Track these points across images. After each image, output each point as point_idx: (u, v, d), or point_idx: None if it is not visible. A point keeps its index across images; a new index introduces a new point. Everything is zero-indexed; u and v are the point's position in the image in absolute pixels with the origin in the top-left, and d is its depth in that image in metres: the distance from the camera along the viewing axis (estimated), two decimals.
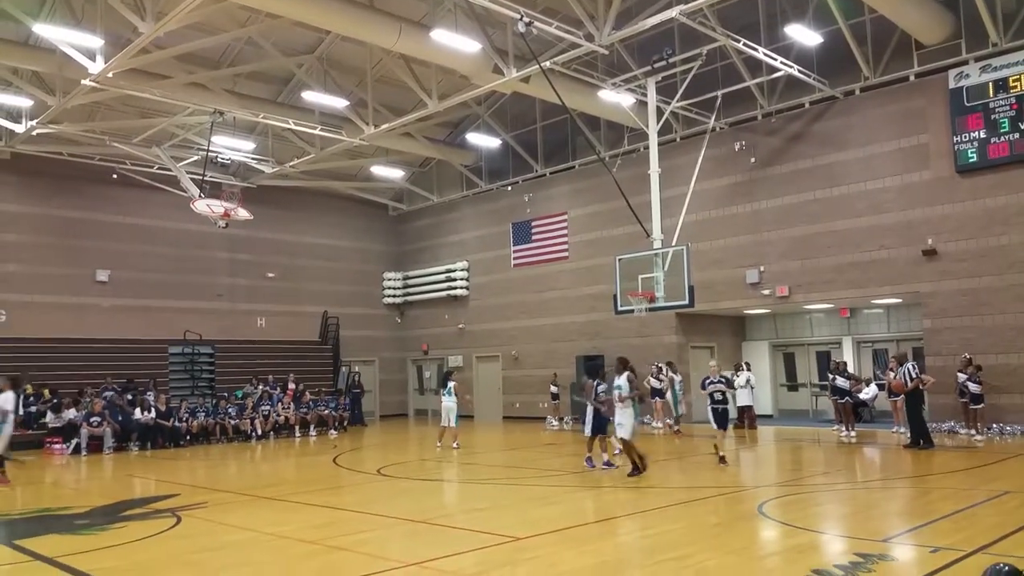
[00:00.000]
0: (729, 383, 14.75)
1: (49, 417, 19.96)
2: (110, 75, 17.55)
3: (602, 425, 13.80)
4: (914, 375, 15.99)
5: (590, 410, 13.86)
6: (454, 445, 18.04)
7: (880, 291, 19.79)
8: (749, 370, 21.05)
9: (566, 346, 25.70)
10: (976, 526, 8.22)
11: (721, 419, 14.29)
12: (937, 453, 14.87)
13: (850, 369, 20.13)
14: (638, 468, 12.52)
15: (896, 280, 19.32)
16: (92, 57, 17.01)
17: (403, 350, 32.33)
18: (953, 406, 17.58)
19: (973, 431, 16.98)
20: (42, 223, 24.12)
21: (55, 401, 20.38)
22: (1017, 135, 17.51)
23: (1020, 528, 7.85)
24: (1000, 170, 17.86)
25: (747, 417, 20.77)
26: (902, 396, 16.85)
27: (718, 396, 14.35)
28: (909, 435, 16.02)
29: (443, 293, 30.19)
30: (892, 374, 16.82)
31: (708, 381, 14.48)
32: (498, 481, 13.49)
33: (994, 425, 17.24)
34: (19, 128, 21.27)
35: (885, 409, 20.24)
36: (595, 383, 14.03)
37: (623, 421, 12.83)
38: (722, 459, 13.80)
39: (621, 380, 12.92)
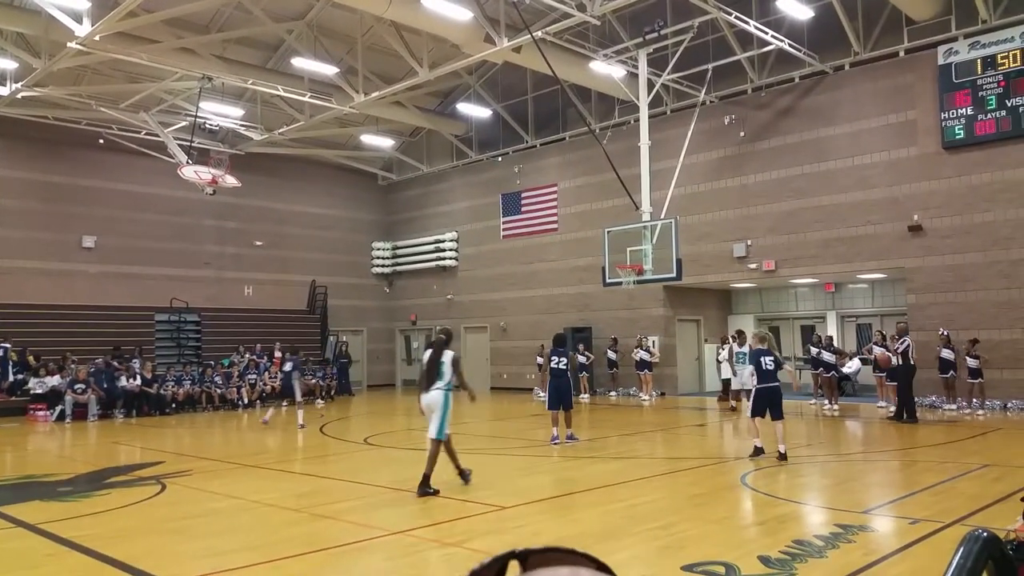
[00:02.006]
0: (778, 362, 11.30)
1: (33, 383, 19.90)
2: (97, 38, 17.28)
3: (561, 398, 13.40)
4: (901, 348, 15.94)
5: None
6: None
7: (865, 266, 19.90)
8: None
9: (554, 318, 25.74)
10: (956, 498, 8.33)
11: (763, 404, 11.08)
12: (919, 426, 15.03)
13: (835, 343, 20.29)
14: (428, 485, 8.94)
15: (881, 255, 19.42)
16: (79, 19, 16.76)
17: (391, 320, 32.33)
18: (935, 380, 17.73)
19: (959, 404, 17.16)
20: (27, 188, 23.89)
21: (38, 367, 20.32)
22: (1004, 112, 17.55)
23: (998, 500, 7.96)
24: (986, 147, 17.91)
25: (732, 390, 20.91)
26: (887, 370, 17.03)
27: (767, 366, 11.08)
28: (893, 408, 16.19)
29: (432, 263, 30.15)
30: (897, 346, 16.39)
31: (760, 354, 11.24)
32: (484, 451, 13.56)
33: (975, 400, 17.40)
34: (3, 91, 20.95)
35: (867, 383, 20.44)
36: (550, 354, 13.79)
37: (436, 413, 9.13)
38: (758, 451, 11.20)
39: (445, 359, 9.28)
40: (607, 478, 9.96)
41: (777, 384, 11.13)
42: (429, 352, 9.44)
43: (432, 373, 9.22)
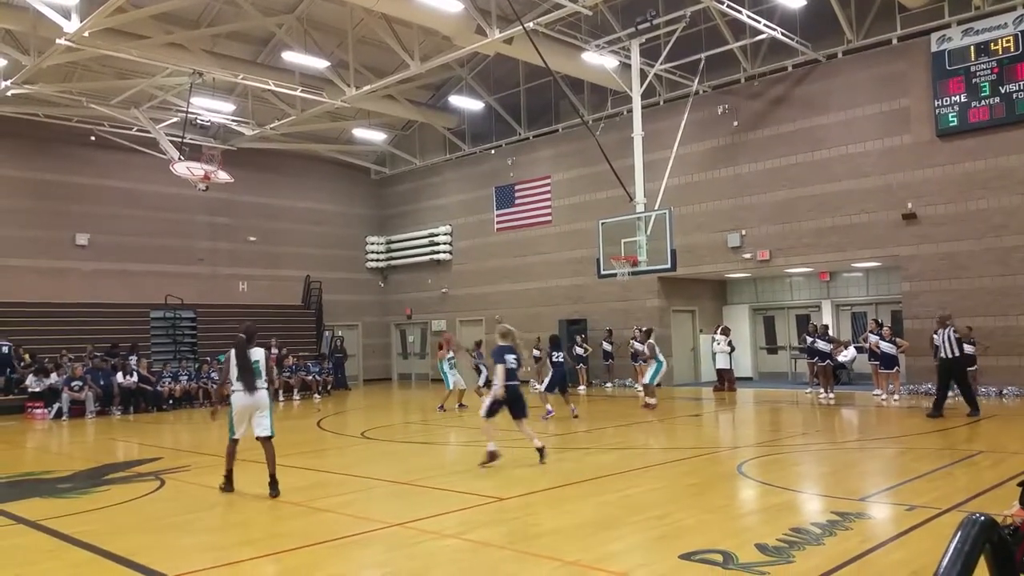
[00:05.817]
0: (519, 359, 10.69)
1: (30, 381, 19.87)
2: (86, 34, 17.23)
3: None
4: (951, 339, 14.33)
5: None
6: (455, 406, 18.60)
7: (860, 255, 19.93)
8: (728, 334, 21.41)
9: (549, 310, 25.77)
10: (951, 485, 8.37)
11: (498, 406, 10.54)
12: (914, 414, 15.07)
13: (830, 332, 20.34)
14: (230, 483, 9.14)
15: (876, 244, 19.46)
16: (67, 15, 16.70)
17: (386, 314, 32.33)
18: (931, 367, 17.75)
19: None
20: (19, 186, 23.83)
21: (36, 366, 20.28)
22: (997, 99, 17.57)
23: (994, 486, 8.00)
24: (980, 134, 17.94)
25: (726, 379, 21.08)
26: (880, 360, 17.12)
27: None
28: (886, 395, 16.23)
29: (426, 257, 30.14)
30: (936, 336, 14.76)
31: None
32: (481, 443, 13.58)
33: None
34: None
35: (862, 371, 20.51)
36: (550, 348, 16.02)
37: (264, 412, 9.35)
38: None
39: (259, 357, 9.46)
40: (603, 469, 9.98)
41: (516, 383, 10.47)
42: (234, 356, 9.33)
43: (250, 373, 9.13)
